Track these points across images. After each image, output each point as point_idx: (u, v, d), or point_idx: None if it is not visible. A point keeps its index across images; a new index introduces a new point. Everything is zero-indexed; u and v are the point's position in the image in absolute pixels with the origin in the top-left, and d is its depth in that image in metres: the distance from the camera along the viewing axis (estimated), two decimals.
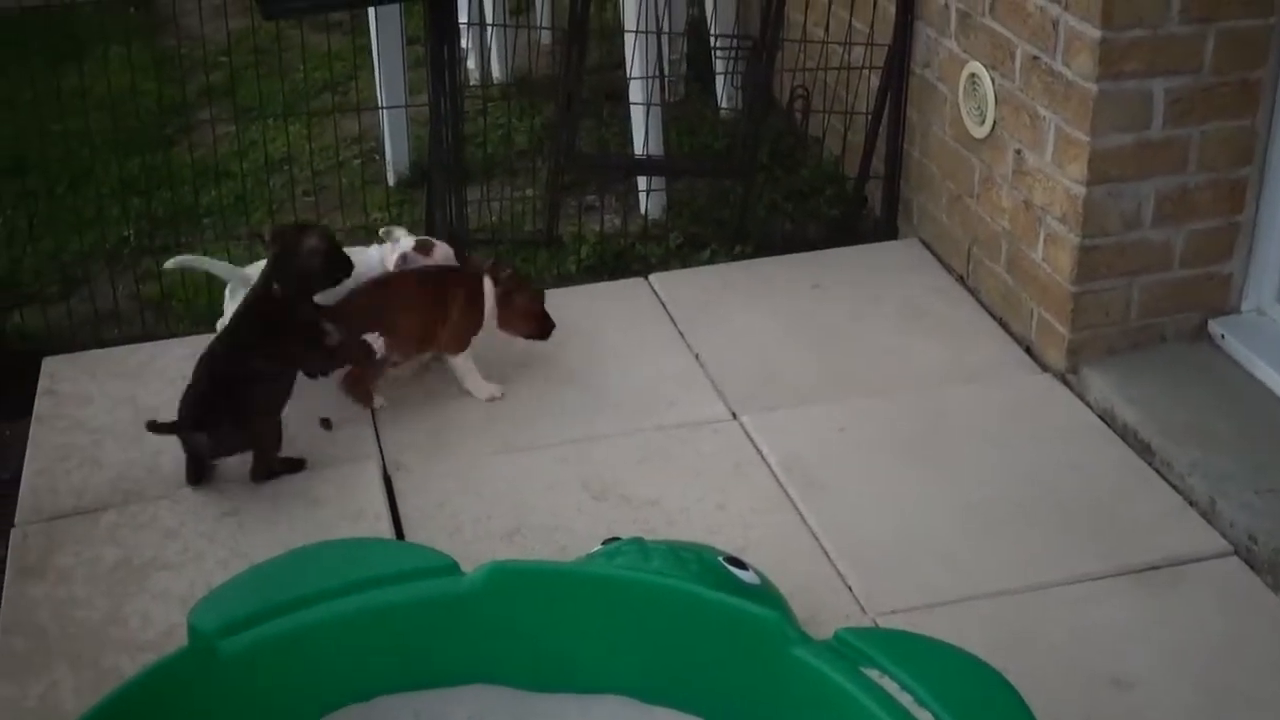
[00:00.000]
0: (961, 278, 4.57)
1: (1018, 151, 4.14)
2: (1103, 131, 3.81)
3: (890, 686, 2.62)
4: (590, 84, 5.41)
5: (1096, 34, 3.71)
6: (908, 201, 4.85)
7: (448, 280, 4.05)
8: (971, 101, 4.33)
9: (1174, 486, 3.70)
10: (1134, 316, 4.07)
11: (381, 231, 4.20)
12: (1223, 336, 4.07)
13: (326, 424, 3.95)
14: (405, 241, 4.14)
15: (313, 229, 3.87)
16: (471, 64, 5.75)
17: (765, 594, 3.01)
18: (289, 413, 3.80)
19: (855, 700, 2.60)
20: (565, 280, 4.70)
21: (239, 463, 3.76)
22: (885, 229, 4.90)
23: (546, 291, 4.23)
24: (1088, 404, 4.01)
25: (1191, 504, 3.64)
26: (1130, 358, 4.07)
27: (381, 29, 5.21)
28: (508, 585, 2.88)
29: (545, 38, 5.92)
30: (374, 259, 4.11)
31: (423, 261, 4.10)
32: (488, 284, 4.02)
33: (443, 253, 4.16)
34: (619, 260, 4.83)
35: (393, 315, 3.94)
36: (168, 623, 3.31)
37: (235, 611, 2.83)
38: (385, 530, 3.57)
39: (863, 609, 3.33)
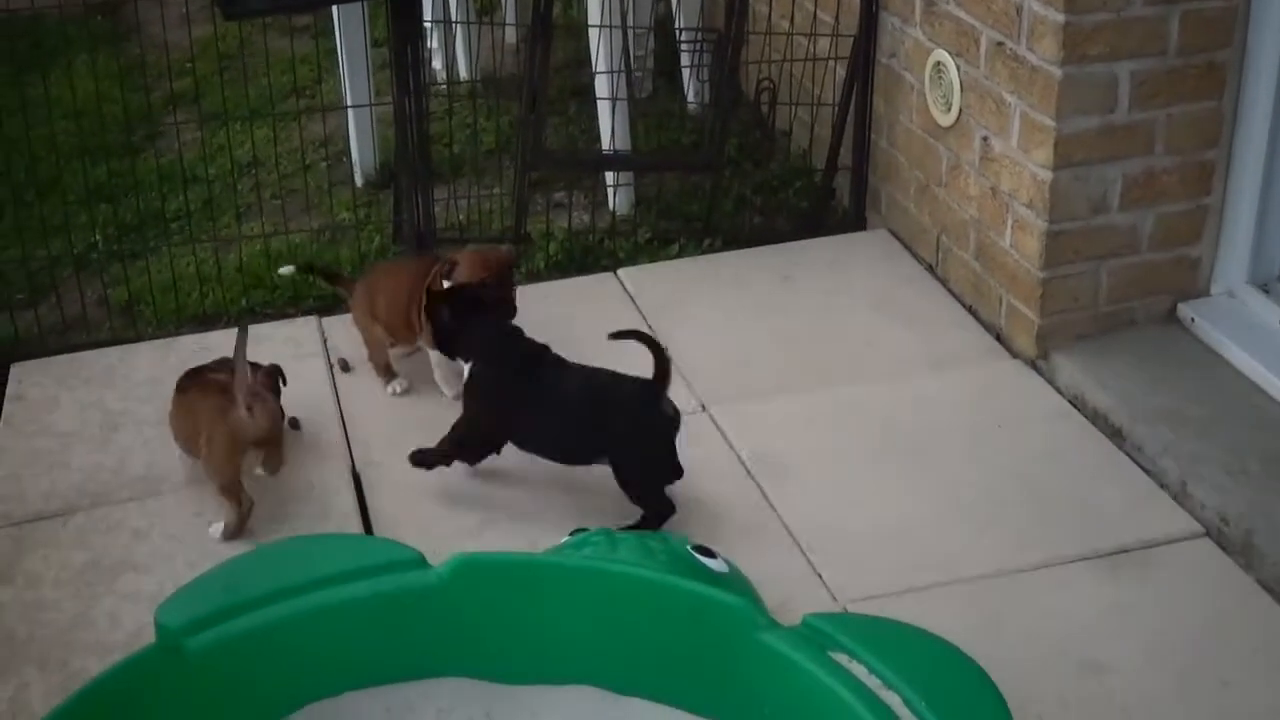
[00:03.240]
0: (931, 266, 4.56)
1: (984, 138, 4.13)
2: (1068, 116, 3.80)
3: (859, 670, 2.62)
4: (558, 80, 5.40)
5: (1060, 18, 3.71)
6: (876, 192, 4.84)
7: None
8: (938, 90, 4.32)
9: (1145, 470, 3.69)
10: (1103, 301, 4.06)
11: None
12: (1193, 320, 4.07)
13: (294, 424, 3.93)
14: None
15: None
16: (438, 63, 5.73)
17: (734, 581, 3.00)
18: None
19: (823, 684, 2.60)
20: (534, 277, 4.68)
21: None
22: (854, 220, 4.89)
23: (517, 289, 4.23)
24: (1058, 389, 4.00)
25: (1163, 486, 3.63)
26: (1100, 342, 4.06)
27: (346, 30, 5.20)
28: (475, 577, 2.87)
29: (512, 35, 5.90)
30: None
31: None
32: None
33: None
34: (588, 256, 4.82)
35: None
36: (136, 624, 3.28)
37: (202, 608, 2.82)
38: (354, 527, 3.55)
39: (833, 597, 3.31)
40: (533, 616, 2.85)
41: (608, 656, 2.84)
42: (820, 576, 3.38)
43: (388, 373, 4.11)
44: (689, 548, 3.03)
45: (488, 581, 2.87)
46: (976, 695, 2.61)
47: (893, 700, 2.55)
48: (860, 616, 3.04)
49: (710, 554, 3.03)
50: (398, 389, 4.08)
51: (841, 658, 2.64)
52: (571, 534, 3.13)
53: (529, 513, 3.60)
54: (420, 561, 2.90)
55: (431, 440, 3.82)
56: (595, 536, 3.03)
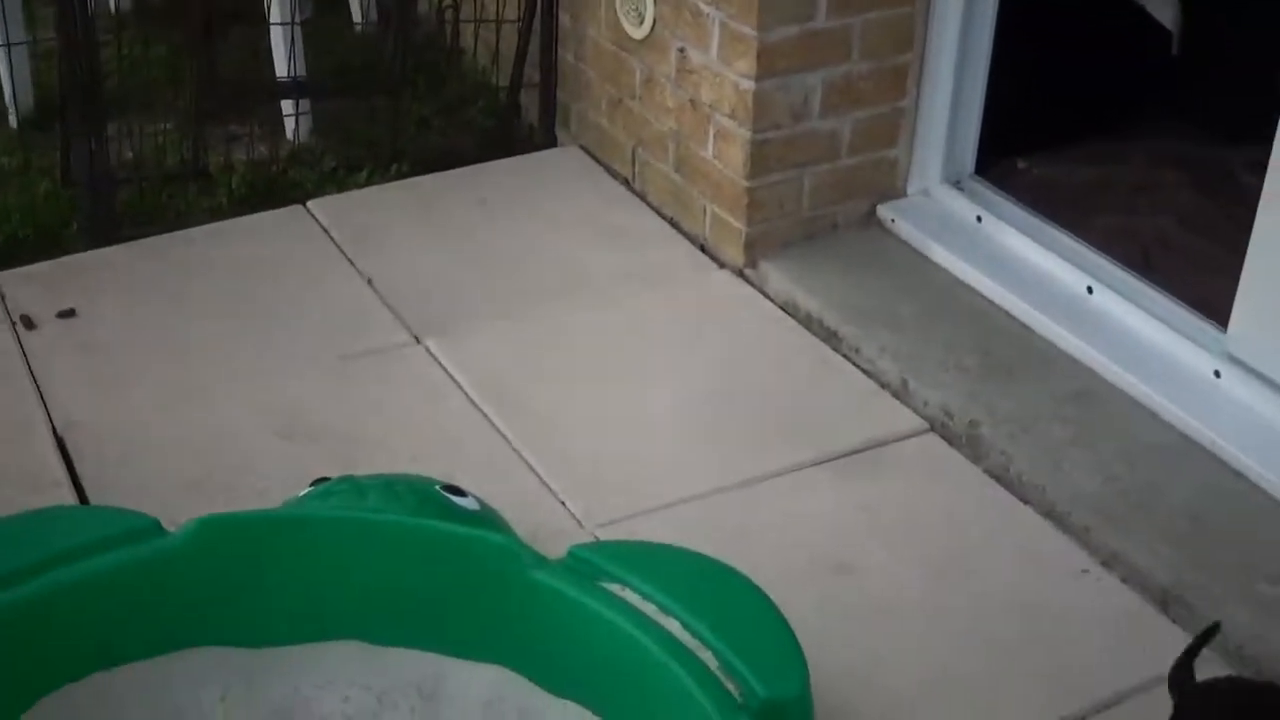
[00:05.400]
0: (627, 181, 4.52)
1: (681, 50, 4.10)
2: (769, 25, 3.79)
3: (632, 598, 2.58)
4: (221, 2, 5.14)
5: None
6: (565, 108, 4.77)
7: None
8: (628, 3, 4.26)
9: (864, 371, 3.75)
10: (806, 207, 4.10)
11: None
12: (893, 220, 4.14)
13: None
14: None
15: None
16: None
17: (488, 519, 2.91)
18: None
19: (600, 616, 2.55)
20: (218, 214, 4.46)
21: None
22: (544, 137, 4.81)
23: (198, 230, 4.07)
24: (769, 297, 4.03)
25: (884, 386, 3.69)
26: (805, 248, 4.10)
27: None
28: (218, 539, 2.69)
29: None
30: None
31: None
32: None
33: None
34: (273, 189, 4.60)
35: None
36: None
37: None
38: (68, 495, 3.32)
39: (580, 524, 3.27)
40: (285, 575, 2.71)
41: (370, 609, 2.72)
42: (564, 504, 3.32)
43: None
44: (438, 487, 2.93)
45: (232, 543, 2.71)
46: (749, 605, 2.61)
47: (672, 625, 2.52)
48: (624, 543, 2.99)
49: (460, 492, 2.93)
50: None
51: (614, 587, 2.60)
52: (313, 484, 2.99)
53: (249, 463, 3.44)
54: (156, 528, 2.72)
55: (143, 399, 3.63)
56: (340, 485, 2.90)
